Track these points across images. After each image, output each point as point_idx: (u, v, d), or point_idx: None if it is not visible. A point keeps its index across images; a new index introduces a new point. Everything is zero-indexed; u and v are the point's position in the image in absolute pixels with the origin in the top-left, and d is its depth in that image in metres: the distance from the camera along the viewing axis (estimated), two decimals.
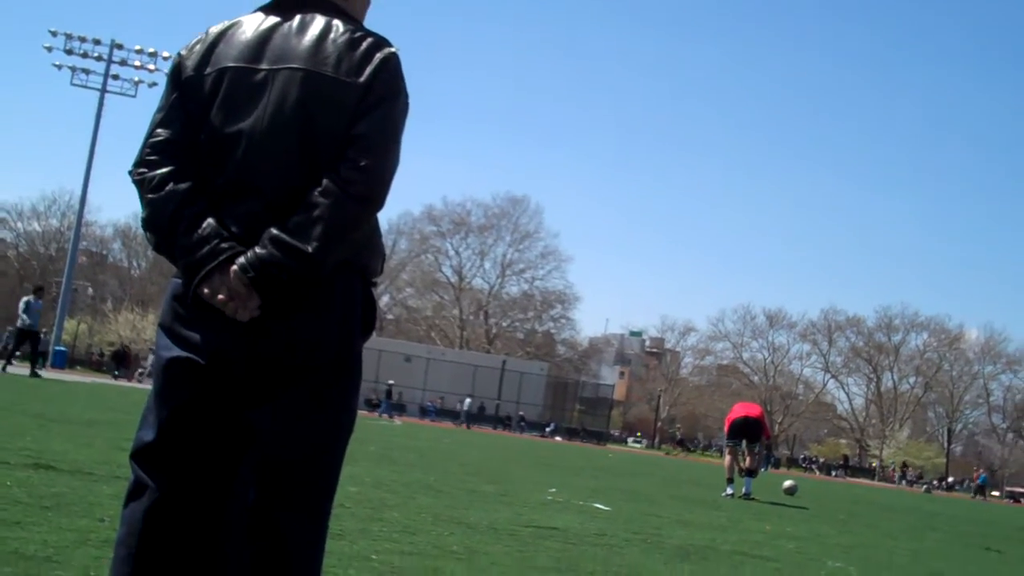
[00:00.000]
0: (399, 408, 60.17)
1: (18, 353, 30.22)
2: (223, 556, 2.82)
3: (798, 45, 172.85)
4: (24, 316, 27.32)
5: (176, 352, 2.88)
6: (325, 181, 2.78)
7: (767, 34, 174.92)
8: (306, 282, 2.78)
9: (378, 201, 2.86)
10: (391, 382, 61.45)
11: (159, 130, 2.94)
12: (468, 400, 67.26)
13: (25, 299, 28.07)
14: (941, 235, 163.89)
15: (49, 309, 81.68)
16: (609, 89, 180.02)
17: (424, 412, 67.12)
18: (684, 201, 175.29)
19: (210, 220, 2.82)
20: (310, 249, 2.73)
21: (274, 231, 2.76)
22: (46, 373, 38.04)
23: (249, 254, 2.75)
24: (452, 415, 66.77)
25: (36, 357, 29.19)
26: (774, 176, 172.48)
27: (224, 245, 2.78)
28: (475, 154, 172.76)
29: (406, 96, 2.95)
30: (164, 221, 2.85)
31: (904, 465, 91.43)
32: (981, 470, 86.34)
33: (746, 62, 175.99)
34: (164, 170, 2.87)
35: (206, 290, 2.78)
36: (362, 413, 29.03)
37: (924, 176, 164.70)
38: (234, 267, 2.75)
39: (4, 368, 28.29)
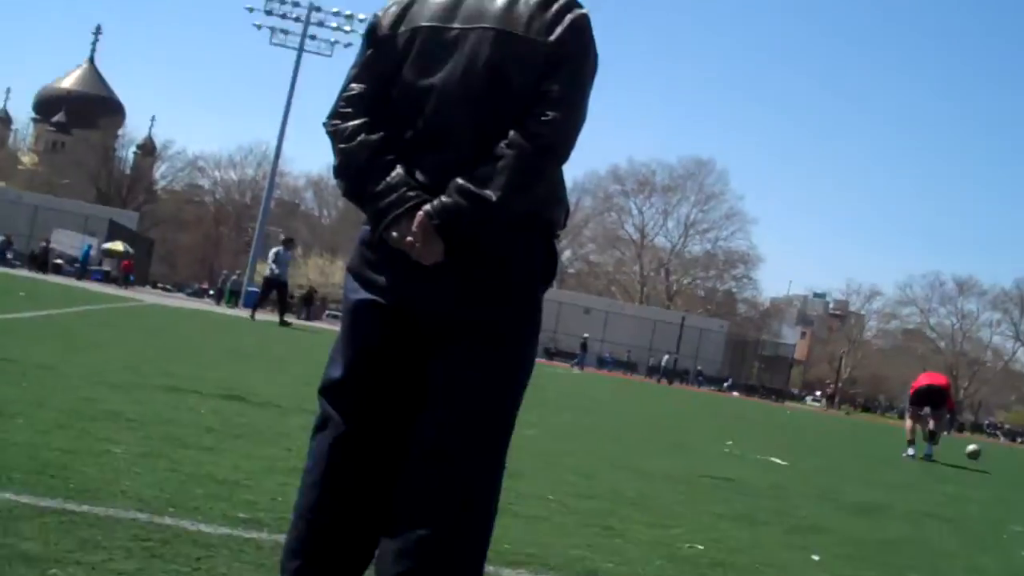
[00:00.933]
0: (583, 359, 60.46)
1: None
2: (403, 488, 2.90)
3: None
4: (273, 266, 27.30)
5: (363, 295, 2.97)
6: (512, 133, 2.82)
7: None
8: (490, 230, 2.84)
9: (563, 154, 2.90)
10: (586, 335, 61.88)
11: (353, 84, 3.03)
12: (666, 356, 67.28)
13: (275, 249, 28.03)
14: None
15: (243, 252, 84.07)
16: (801, 52, 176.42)
17: (602, 363, 67.35)
18: (875, 165, 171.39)
19: (399, 170, 2.88)
20: (494, 197, 2.77)
21: (460, 180, 2.81)
22: (238, 311, 39.26)
23: (435, 201, 2.81)
24: (629, 367, 66.77)
25: (285, 306, 29.62)
26: (969, 140, 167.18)
27: (411, 193, 2.84)
28: (663, 116, 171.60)
29: (595, 56, 2.98)
30: (355, 170, 2.94)
31: None
32: None
33: (952, 17, 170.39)
34: (357, 122, 2.96)
35: (394, 234, 2.85)
36: (542, 362, 29.28)
37: None
38: (420, 213, 2.81)
39: (252, 316, 29.03)
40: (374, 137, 2.93)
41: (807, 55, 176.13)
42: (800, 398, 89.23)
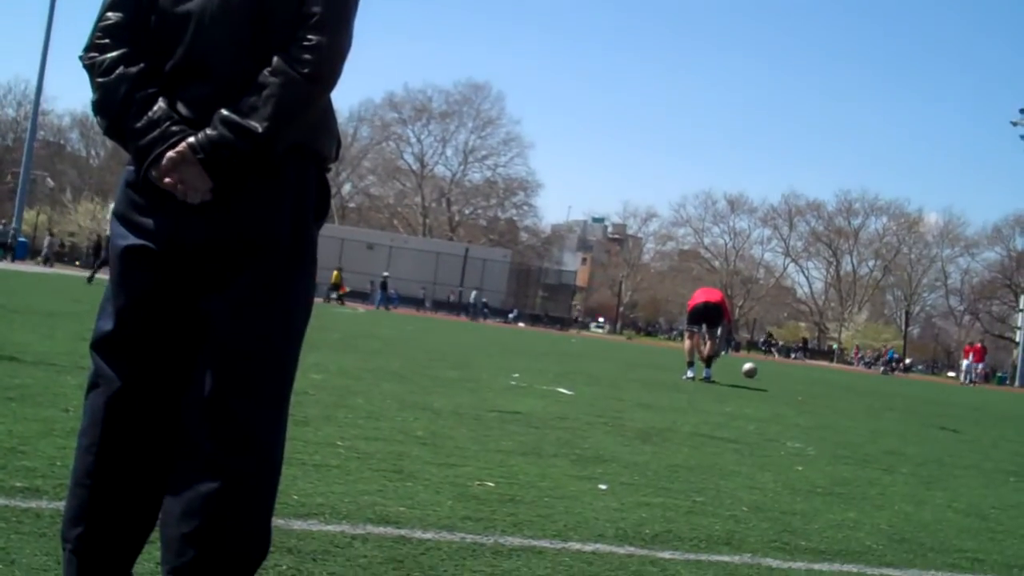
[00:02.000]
0: (390, 300, 60.25)
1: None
2: (183, 444, 2.82)
3: None
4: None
5: (131, 240, 2.85)
6: (276, 60, 2.74)
7: None
8: (257, 163, 2.76)
9: (330, 80, 2.83)
10: (386, 274, 61.57)
11: (109, 13, 2.89)
12: (474, 293, 67.64)
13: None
14: (901, 118, 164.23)
15: (7, 200, 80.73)
16: None
17: (388, 300, 67.27)
18: (647, 87, 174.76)
19: (161, 104, 2.77)
20: (260, 128, 2.70)
21: (224, 112, 2.73)
22: (7, 264, 37.76)
23: (200, 135, 2.72)
24: (415, 302, 66.93)
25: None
26: (735, 60, 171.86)
27: (174, 128, 2.74)
28: (436, 39, 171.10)
29: None
30: (115, 105, 2.81)
31: (857, 348, 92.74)
32: (889, 346, 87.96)
33: None
34: (114, 54, 2.82)
35: (155, 173, 2.75)
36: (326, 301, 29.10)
37: (884, 57, 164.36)
38: (181, 146, 2.71)
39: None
40: (133, 69, 2.80)
41: None
42: (584, 325, 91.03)
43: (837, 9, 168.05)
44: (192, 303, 2.84)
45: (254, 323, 2.81)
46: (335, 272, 57.84)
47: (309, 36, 2.76)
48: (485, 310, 70.23)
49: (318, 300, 43.57)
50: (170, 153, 2.72)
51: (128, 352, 2.87)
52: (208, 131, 2.72)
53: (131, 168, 2.86)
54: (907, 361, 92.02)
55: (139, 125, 2.77)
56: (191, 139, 2.72)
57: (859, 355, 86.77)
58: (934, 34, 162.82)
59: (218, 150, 2.70)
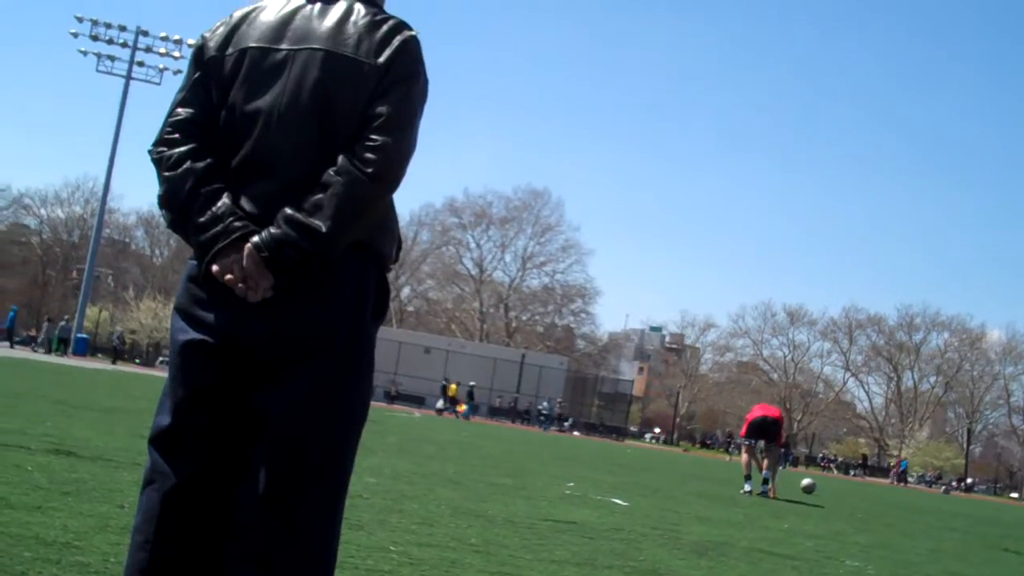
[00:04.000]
0: (472, 409, 60.19)
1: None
2: (235, 541, 2.80)
3: (827, 34, 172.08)
4: None
5: (191, 335, 2.87)
6: (340, 159, 2.77)
7: (799, 20, 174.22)
8: (319, 262, 2.77)
9: (393, 181, 2.85)
10: (473, 383, 61.60)
11: (179, 109, 2.94)
12: (546, 402, 67.64)
13: None
14: (965, 234, 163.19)
15: (71, 296, 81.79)
16: (631, 81, 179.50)
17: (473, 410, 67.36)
18: (706, 196, 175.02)
19: (225, 199, 2.81)
20: (324, 228, 2.72)
21: (288, 211, 2.75)
22: (67, 360, 38.20)
23: (264, 233, 2.75)
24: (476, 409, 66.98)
25: None
26: (797, 171, 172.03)
27: (237, 224, 2.77)
28: (497, 146, 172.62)
29: (425, 79, 2.95)
30: (180, 199, 2.84)
31: (897, 462, 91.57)
32: (901, 457, 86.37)
33: (771, 47, 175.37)
34: (183, 148, 2.87)
35: (216, 268, 2.78)
36: (383, 406, 29.11)
37: (949, 173, 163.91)
38: (248, 245, 2.74)
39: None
40: (200, 164, 2.85)
41: (637, 81, 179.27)
42: (639, 435, 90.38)
43: (896, 121, 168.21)
44: (250, 398, 2.85)
45: (310, 422, 2.81)
46: (452, 386, 58.49)
47: (374, 136, 2.79)
48: (541, 417, 69.97)
49: (428, 412, 43.50)
50: (232, 250, 2.76)
51: (185, 448, 2.88)
52: (272, 229, 2.75)
53: (193, 263, 2.89)
54: (968, 481, 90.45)
55: (203, 219, 2.80)
56: (255, 237, 2.75)
57: (898, 470, 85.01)
58: (994, 149, 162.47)
59: (282, 248, 2.73)
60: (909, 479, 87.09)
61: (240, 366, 2.83)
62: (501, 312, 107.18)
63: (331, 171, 2.77)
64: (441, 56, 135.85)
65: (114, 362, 56.63)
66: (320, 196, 2.75)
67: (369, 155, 2.77)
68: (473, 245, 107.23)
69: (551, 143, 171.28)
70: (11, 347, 52.06)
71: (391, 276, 3.15)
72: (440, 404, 57.45)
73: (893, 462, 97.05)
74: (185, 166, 2.85)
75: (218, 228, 2.78)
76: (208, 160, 2.86)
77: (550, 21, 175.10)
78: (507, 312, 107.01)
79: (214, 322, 2.84)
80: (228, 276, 2.76)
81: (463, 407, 57.51)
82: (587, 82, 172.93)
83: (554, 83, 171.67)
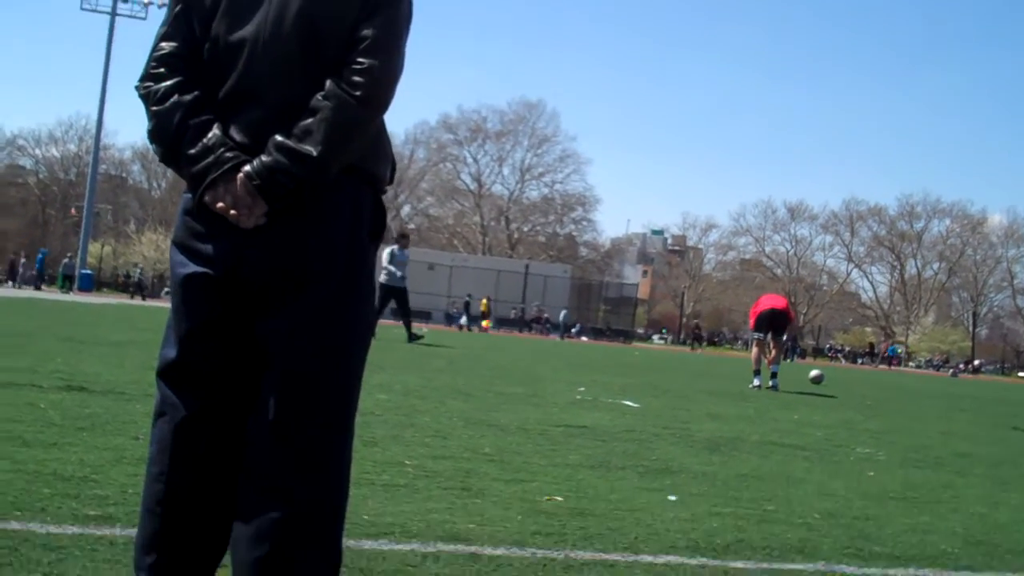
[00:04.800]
0: (474, 319, 60.34)
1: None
2: (249, 470, 2.84)
3: None
4: (390, 267, 22.71)
5: (191, 268, 2.88)
6: (328, 84, 2.77)
7: None
8: (313, 187, 2.78)
9: (382, 103, 2.85)
10: (469, 294, 61.86)
11: (163, 44, 2.92)
12: (564, 312, 67.97)
13: (389, 248, 23.11)
14: (962, 120, 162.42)
15: (72, 234, 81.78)
16: None
17: (450, 319, 67.34)
18: (700, 97, 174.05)
19: (215, 130, 2.81)
20: (315, 152, 2.72)
21: (278, 138, 2.76)
22: (74, 296, 38.23)
23: (255, 162, 2.75)
24: (476, 320, 67.16)
25: (408, 317, 24.14)
26: (790, 67, 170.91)
27: (229, 154, 2.78)
28: (489, 60, 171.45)
29: (409, 1, 2.94)
30: (169, 132, 2.84)
31: (909, 353, 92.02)
32: (890, 342, 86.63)
33: None
34: (169, 82, 2.86)
35: (209, 198, 2.78)
36: (388, 323, 29.14)
37: (941, 60, 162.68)
38: (239, 174, 2.75)
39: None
40: (188, 97, 2.84)
41: None
42: (647, 337, 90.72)
43: (891, 8, 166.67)
44: (253, 328, 2.86)
45: (313, 347, 2.83)
46: (483, 301, 58.71)
47: (360, 60, 2.78)
48: (548, 324, 70.17)
49: (435, 327, 43.57)
50: (224, 181, 2.77)
51: (193, 380, 2.91)
52: (263, 157, 2.76)
53: (188, 196, 2.89)
54: (976, 363, 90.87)
55: (194, 151, 2.80)
56: (247, 166, 2.76)
57: (885, 354, 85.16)
58: (988, 29, 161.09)
59: (274, 175, 2.73)
60: (912, 363, 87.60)
61: (241, 296, 2.84)
62: (502, 225, 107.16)
63: (319, 96, 2.77)
64: None
65: (144, 298, 56.72)
66: (309, 121, 2.76)
67: (357, 78, 2.76)
68: (470, 160, 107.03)
69: (544, 54, 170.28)
70: (36, 289, 52.18)
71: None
72: (464, 320, 57.42)
73: (886, 347, 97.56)
74: (173, 99, 2.84)
75: (210, 159, 2.78)
76: (195, 92, 2.86)
77: None
78: (508, 224, 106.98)
79: (212, 253, 2.85)
80: (220, 204, 2.77)
81: (488, 323, 57.77)
82: None
83: None
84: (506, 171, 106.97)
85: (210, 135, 2.80)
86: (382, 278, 22.55)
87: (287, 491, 2.77)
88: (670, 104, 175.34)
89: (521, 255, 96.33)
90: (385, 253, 22.85)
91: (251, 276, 2.82)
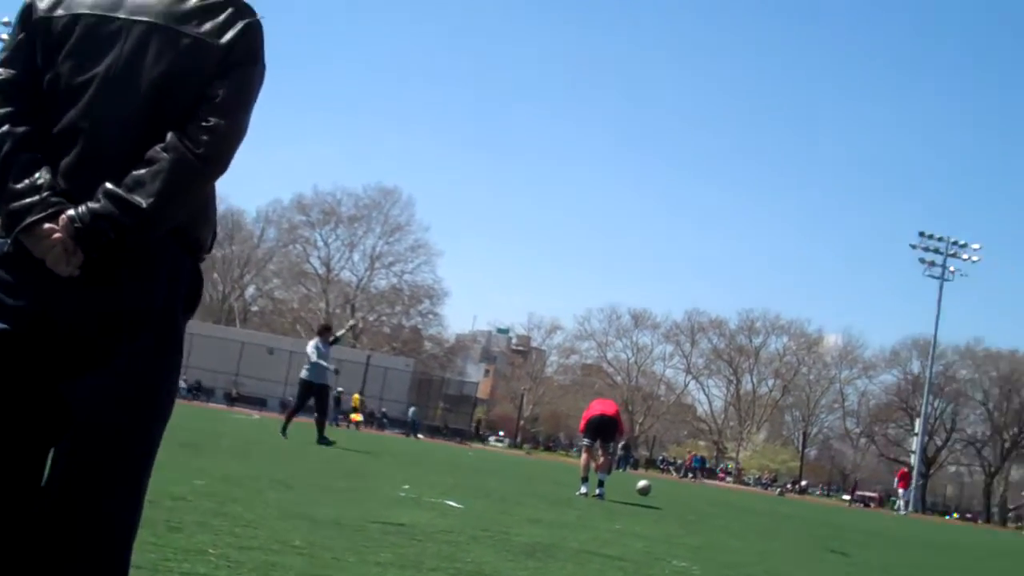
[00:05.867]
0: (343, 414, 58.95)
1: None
2: (38, 538, 2.71)
3: (659, 40, 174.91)
4: (317, 361, 22.33)
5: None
6: (170, 137, 2.70)
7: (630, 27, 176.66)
8: (135, 241, 2.68)
9: (222, 164, 2.79)
10: (340, 389, 60.84)
11: (0, 70, 2.83)
12: (412, 409, 67.22)
13: (313, 342, 23.13)
14: (803, 239, 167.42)
15: None
16: (479, 85, 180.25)
17: (285, 406, 66.40)
18: (555, 200, 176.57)
19: (45, 172, 2.70)
20: (144, 204, 2.63)
21: (108, 185, 2.66)
22: None
23: (82, 207, 2.65)
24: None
25: (324, 416, 23.35)
26: (642, 176, 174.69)
27: (55, 199, 2.67)
28: (347, 142, 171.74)
29: (263, 65, 2.90)
30: None
31: (739, 470, 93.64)
32: (694, 453, 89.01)
33: (616, 56, 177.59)
34: (2, 111, 2.76)
35: (27, 239, 2.66)
36: (223, 408, 28.65)
37: (783, 177, 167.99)
38: (63, 216, 2.64)
39: (284, 430, 22.55)
40: (19, 129, 2.73)
41: (486, 82, 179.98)
42: (484, 438, 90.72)
43: (737, 128, 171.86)
44: (50, 389, 2.74)
45: (115, 409, 2.72)
46: (355, 396, 57.24)
47: (209, 118, 2.72)
48: (384, 420, 69.70)
49: (269, 415, 42.69)
50: (46, 223, 2.64)
51: None
52: (90, 204, 2.65)
53: None
54: (803, 483, 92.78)
55: (18, 187, 2.68)
56: (71, 210, 2.65)
57: (690, 464, 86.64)
58: (831, 157, 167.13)
59: (97, 222, 2.63)
60: (729, 479, 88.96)
61: (43, 354, 2.72)
62: (348, 312, 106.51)
63: (158, 148, 2.69)
64: (295, 50, 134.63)
65: None
66: (143, 172, 2.67)
67: (203, 136, 2.71)
68: (321, 244, 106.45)
69: (402, 142, 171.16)
70: None
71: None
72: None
73: (731, 465, 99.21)
74: (3, 129, 2.73)
75: (35, 198, 2.67)
76: (27, 126, 2.75)
77: (399, 21, 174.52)
78: (353, 312, 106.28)
79: (17, 303, 2.70)
80: (38, 246, 2.64)
81: (358, 416, 56.71)
82: (437, 82, 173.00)
83: (405, 81, 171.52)
84: (356, 257, 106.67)
85: (39, 174, 2.69)
86: (303, 373, 22.21)
87: (66, 562, 2.66)
88: (523, 204, 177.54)
89: (364, 345, 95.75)
90: (310, 346, 22.64)
91: (58, 322, 2.69)
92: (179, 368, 2.93)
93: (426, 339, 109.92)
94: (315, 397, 22.55)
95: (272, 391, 68.72)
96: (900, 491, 58.59)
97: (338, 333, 24.41)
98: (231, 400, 61.18)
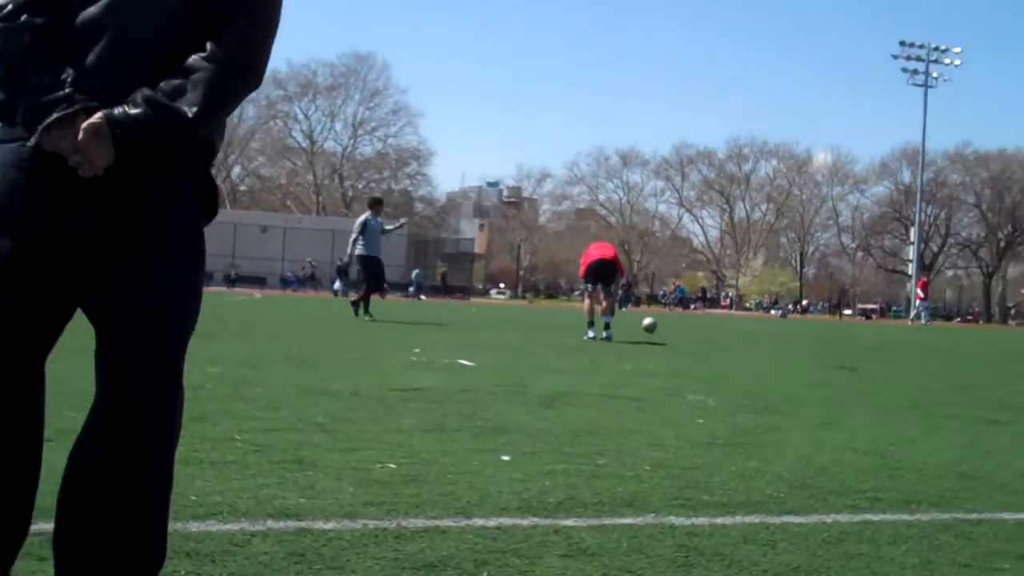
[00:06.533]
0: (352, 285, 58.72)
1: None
2: (75, 454, 2.75)
3: None
4: (365, 237, 21.89)
5: (7, 226, 2.62)
6: (210, 46, 2.58)
7: None
8: (171, 149, 2.61)
9: (261, 74, 2.73)
10: (341, 258, 60.68)
11: None
12: (416, 271, 67.25)
13: (362, 217, 22.53)
14: (785, 60, 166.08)
15: None
16: None
17: (286, 283, 66.62)
18: (532, 46, 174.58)
19: (69, 68, 2.54)
20: (190, 113, 2.54)
21: (147, 91, 2.54)
22: None
23: (118, 110, 2.52)
24: (318, 284, 66.46)
25: (370, 290, 22.66)
26: (619, 14, 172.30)
27: (80, 96, 2.52)
28: (318, 10, 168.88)
29: None
30: (14, 53, 2.55)
31: (741, 296, 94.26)
32: (677, 283, 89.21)
33: None
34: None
35: (52, 135, 2.50)
36: (222, 290, 28.70)
37: (762, 4, 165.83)
38: (96, 117, 2.50)
39: (356, 309, 22.45)
40: (39, 20, 2.55)
41: None
42: (485, 292, 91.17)
43: None
44: (75, 290, 2.71)
45: (150, 327, 2.70)
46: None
47: (244, 26, 2.62)
48: (386, 284, 69.84)
49: (270, 292, 42.44)
50: (71, 122, 2.50)
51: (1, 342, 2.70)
52: (129, 109, 2.54)
53: (8, 143, 2.63)
54: (804, 303, 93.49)
55: (40, 82, 2.53)
56: (114, 110, 2.53)
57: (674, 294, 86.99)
58: None
59: (139, 130, 2.53)
60: (746, 304, 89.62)
61: (67, 260, 2.64)
62: (336, 183, 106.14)
63: (199, 56, 2.59)
64: None
65: None
66: (181, 81, 2.57)
67: (239, 44, 2.63)
68: (302, 116, 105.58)
69: (371, 5, 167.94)
70: None
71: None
72: (337, 286, 55.52)
73: (733, 292, 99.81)
74: (23, 18, 2.55)
75: (59, 94, 2.51)
76: (47, 17, 2.58)
77: None
78: (342, 182, 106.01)
79: (38, 206, 2.60)
80: (64, 144, 2.51)
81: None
82: None
83: None
84: (338, 126, 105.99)
85: (64, 69, 2.54)
86: (359, 249, 21.91)
87: (112, 477, 2.70)
88: (501, 52, 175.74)
89: (356, 213, 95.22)
90: (358, 221, 22.32)
91: (79, 230, 2.61)
92: (202, 274, 2.89)
93: (417, 200, 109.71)
94: (373, 270, 22.27)
95: (270, 268, 68.87)
96: (918, 302, 57.94)
97: (389, 226, 23.71)
98: (231, 282, 61.20)
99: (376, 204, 22.99)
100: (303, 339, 14.83)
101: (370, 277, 22.45)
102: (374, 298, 22.32)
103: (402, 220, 27.30)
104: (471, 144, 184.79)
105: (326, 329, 18.38)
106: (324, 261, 67.78)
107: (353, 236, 22.13)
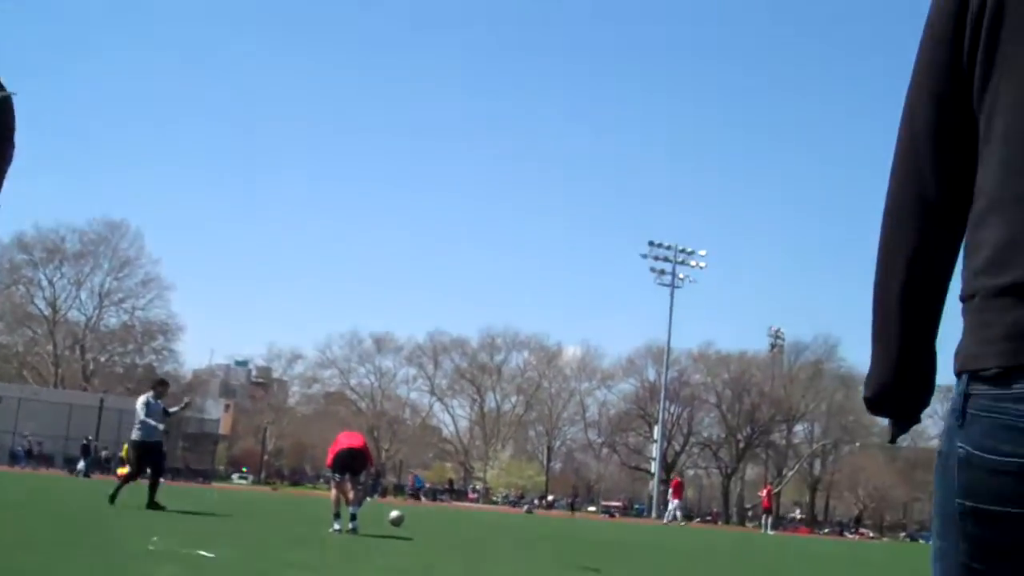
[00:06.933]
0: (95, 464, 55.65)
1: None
2: None
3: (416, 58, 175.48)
4: (146, 420, 20.71)
5: None
6: None
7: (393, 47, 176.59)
8: None
9: None
10: (88, 437, 57.67)
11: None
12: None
13: (143, 398, 21.46)
14: (540, 254, 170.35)
15: None
16: (214, 103, 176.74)
17: (15, 458, 63.45)
18: (289, 223, 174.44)
19: None
20: None
21: None
22: None
23: None
24: (49, 461, 63.56)
25: (157, 479, 21.59)
26: (381, 198, 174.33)
27: None
28: (70, 173, 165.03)
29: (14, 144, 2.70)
30: None
31: (487, 489, 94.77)
32: (415, 474, 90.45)
33: (364, 87, 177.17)
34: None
35: None
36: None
37: (521, 196, 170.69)
38: None
39: (113, 498, 20.74)
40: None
41: (220, 103, 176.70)
42: (227, 476, 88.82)
43: (463, 143, 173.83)
44: None
45: None
46: (125, 447, 54.36)
47: None
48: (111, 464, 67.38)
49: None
50: None
51: None
52: None
53: None
54: (550, 498, 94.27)
55: None
56: None
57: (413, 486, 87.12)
58: (565, 166, 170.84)
59: None
60: (492, 498, 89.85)
61: None
62: (77, 354, 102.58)
63: None
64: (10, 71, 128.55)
65: None
66: None
67: None
68: (46, 283, 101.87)
69: (127, 173, 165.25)
70: None
71: None
72: (81, 465, 52.83)
73: (479, 484, 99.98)
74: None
75: None
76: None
77: (123, 45, 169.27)
78: (84, 354, 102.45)
79: None
80: None
81: (126, 470, 54.04)
82: (162, 104, 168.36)
83: (132, 110, 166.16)
84: (84, 295, 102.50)
85: None
86: (134, 434, 20.81)
87: None
88: (256, 227, 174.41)
89: (97, 387, 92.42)
90: (139, 402, 21.17)
91: None
92: None
93: (162, 377, 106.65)
94: (152, 457, 21.21)
95: (1, 441, 65.68)
96: (675, 501, 58.61)
97: (173, 408, 22.92)
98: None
99: (160, 385, 22.21)
100: (29, 523, 14.02)
101: (139, 462, 21.30)
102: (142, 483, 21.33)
103: (185, 400, 26.38)
104: (221, 320, 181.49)
105: (54, 510, 17.48)
106: (60, 436, 65.05)
107: (138, 419, 20.92)
